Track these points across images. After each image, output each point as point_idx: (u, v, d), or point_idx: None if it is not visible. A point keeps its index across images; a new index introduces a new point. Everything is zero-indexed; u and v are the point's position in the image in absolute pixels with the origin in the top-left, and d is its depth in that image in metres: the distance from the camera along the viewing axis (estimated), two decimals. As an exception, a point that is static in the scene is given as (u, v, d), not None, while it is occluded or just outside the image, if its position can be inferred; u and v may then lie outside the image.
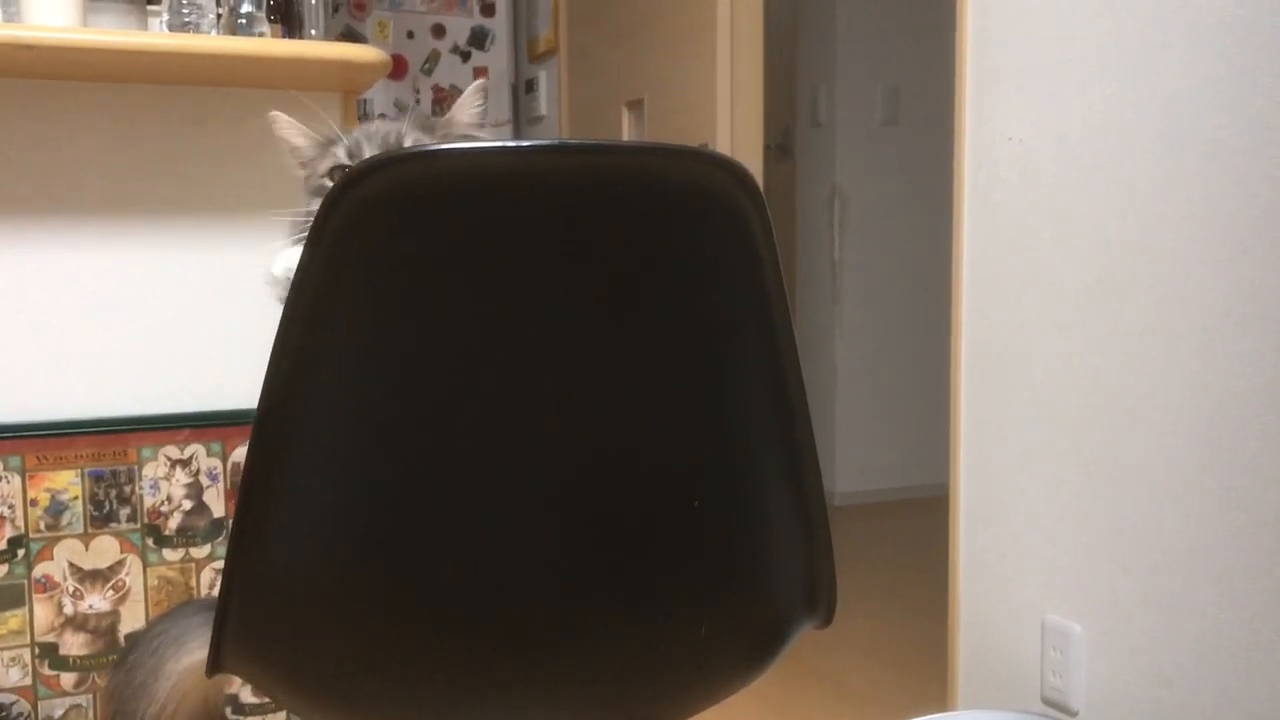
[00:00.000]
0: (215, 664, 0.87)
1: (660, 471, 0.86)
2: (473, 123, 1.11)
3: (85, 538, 1.70)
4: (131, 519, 1.72)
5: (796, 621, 0.96)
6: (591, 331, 0.81)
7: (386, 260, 0.77)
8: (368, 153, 1.05)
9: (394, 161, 0.74)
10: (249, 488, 0.81)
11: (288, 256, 1.02)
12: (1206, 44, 1.45)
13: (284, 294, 1.01)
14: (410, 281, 0.77)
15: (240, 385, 1.82)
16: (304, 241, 1.03)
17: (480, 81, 1.13)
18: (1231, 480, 1.43)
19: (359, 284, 0.77)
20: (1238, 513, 1.43)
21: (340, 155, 1.07)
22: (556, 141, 0.76)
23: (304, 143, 1.12)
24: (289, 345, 0.78)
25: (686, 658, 0.91)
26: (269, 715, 1.80)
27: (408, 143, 1.06)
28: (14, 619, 1.67)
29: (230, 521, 1.76)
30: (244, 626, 0.85)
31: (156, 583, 1.74)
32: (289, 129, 1.12)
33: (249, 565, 0.83)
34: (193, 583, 1.76)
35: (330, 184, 1.03)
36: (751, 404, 0.88)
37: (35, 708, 1.68)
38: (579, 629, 0.86)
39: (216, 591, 1.11)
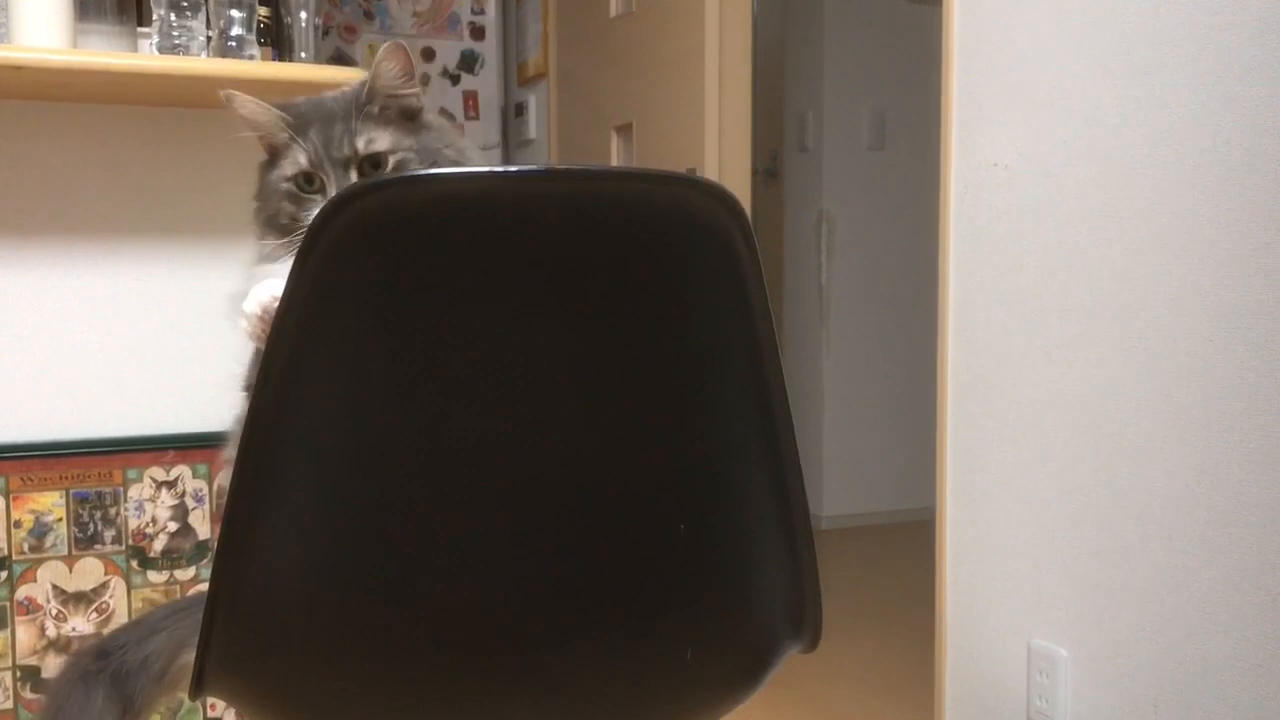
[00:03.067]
0: (198, 687, 0.86)
1: (645, 495, 0.86)
2: (395, 88, 1.07)
3: (69, 560, 1.69)
4: (116, 541, 1.71)
5: (782, 645, 0.96)
6: (577, 355, 0.81)
7: (372, 284, 0.77)
8: (326, 163, 1.04)
9: (381, 187, 0.74)
10: (234, 509, 0.81)
11: (262, 291, 0.99)
12: (1191, 71, 1.47)
13: (252, 329, 1.01)
14: (396, 305, 0.77)
15: (227, 407, 1.82)
16: (272, 270, 1.03)
17: (390, 44, 1.06)
18: (1218, 505, 1.44)
19: (345, 307, 0.77)
20: (1224, 538, 1.44)
21: (302, 161, 1.05)
22: (544, 167, 0.77)
23: (268, 120, 1.08)
24: (274, 367, 0.78)
25: (672, 681, 0.91)
26: (252, 739, 1.78)
27: (359, 140, 1.04)
28: (-4, 641, 1.65)
29: (215, 543, 1.76)
30: (228, 649, 0.84)
31: (141, 605, 1.73)
32: (250, 105, 1.07)
33: (233, 587, 0.83)
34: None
35: (296, 189, 1.06)
36: (737, 428, 0.89)
37: (16, 731, 1.66)
38: (563, 653, 0.86)
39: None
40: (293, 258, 0.76)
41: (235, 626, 0.83)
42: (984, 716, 1.85)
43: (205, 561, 1.76)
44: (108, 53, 1.56)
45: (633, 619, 0.88)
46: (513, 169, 0.75)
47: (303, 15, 1.80)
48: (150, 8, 1.65)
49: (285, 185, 1.06)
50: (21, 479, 1.66)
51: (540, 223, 0.77)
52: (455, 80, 4.07)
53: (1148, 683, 1.55)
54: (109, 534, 1.71)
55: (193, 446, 1.76)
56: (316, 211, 0.97)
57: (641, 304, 0.82)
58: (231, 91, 1.07)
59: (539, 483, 0.83)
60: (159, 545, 1.74)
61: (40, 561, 1.68)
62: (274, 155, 1.09)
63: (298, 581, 0.82)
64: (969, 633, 1.88)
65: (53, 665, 1.68)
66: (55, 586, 1.68)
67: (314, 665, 0.84)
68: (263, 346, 0.95)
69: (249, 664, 0.85)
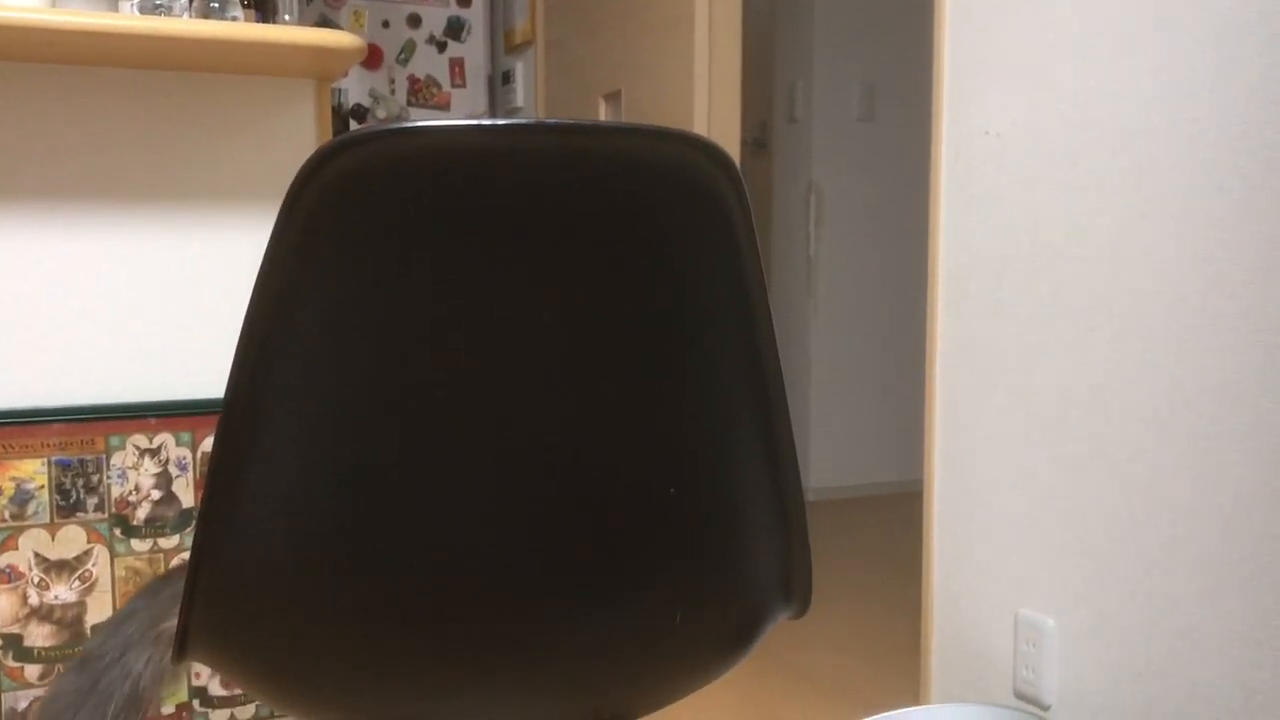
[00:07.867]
0: (181, 652, 0.85)
1: (635, 458, 0.85)
2: None
3: (51, 527, 1.67)
4: (99, 509, 1.70)
5: (772, 610, 0.95)
6: (567, 314, 0.80)
7: (359, 238, 0.75)
8: None
9: (370, 138, 0.72)
10: (216, 472, 0.79)
11: None
12: (1183, 38, 1.45)
13: None
14: (383, 260, 0.76)
15: (210, 374, 1.80)
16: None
17: None
18: (1205, 475, 1.44)
19: (330, 262, 0.76)
20: (1212, 508, 1.44)
21: None
22: (535, 121, 0.75)
23: None
24: (259, 324, 0.76)
25: (661, 646, 0.90)
26: (237, 707, 1.78)
27: None
28: (-23, 610, 1.64)
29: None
30: (211, 615, 0.83)
31: (124, 573, 1.71)
32: None
33: (216, 552, 0.81)
34: (161, 573, 1.74)
35: None
36: (729, 389, 0.88)
37: (-1, 700, 1.65)
38: (552, 617, 0.86)
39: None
40: None
41: (218, 590, 0.82)
42: (971, 686, 1.85)
43: (189, 530, 1.75)
44: (87, 12, 1.53)
45: (621, 583, 0.87)
46: (500, 121, 0.73)
47: (286, -24, 1.77)
48: (130, -33, 1.62)
49: None
50: (3, 446, 1.65)
51: (530, 177, 0.76)
52: (442, 47, 4.03)
53: (1134, 652, 1.55)
54: (92, 502, 1.69)
55: (176, 414, 1.74)
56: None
57: (632, 260, 0.81)
58: None
59: (527, 444, 0.82)
60: (142, 513, 1.72)
61: (22, 529, 1.66)
62: None
63: (281, 545, 0.81)
64: (956, 603, 1.88)
65: (36, 634, 1.66)
66: (37, 554, 1.67)
67: (297, 631, 0.83)
68: None
69: (232, 629, 0.84)
